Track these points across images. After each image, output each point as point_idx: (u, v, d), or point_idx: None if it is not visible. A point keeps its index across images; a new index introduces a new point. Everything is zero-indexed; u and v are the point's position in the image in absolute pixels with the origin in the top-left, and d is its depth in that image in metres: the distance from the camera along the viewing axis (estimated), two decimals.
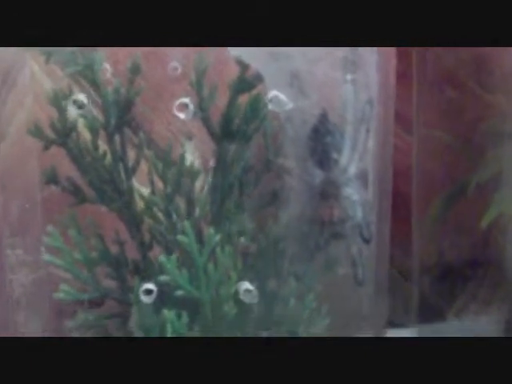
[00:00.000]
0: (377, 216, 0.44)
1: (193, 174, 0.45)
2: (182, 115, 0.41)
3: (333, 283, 0.44)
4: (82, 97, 0.42)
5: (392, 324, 0.67)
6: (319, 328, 0.45)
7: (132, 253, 0.48)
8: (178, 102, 0.41)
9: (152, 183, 0.46)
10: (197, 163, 0.47)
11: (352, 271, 0.43)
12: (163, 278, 0.41)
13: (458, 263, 0.60)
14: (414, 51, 0.59)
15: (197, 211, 0.43)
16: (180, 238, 0.41)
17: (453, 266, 0.60)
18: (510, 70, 0.53)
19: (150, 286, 0.41)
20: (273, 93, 0.41)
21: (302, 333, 0.45)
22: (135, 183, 0.47)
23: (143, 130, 0.49)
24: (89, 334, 0.49)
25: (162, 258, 0.41)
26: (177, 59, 0.46)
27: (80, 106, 0.42)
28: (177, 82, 0.47)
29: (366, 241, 0.42)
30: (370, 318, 0.46)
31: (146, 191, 0.47)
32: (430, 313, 0.61)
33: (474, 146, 0.57)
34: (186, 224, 0.41)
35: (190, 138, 0.47)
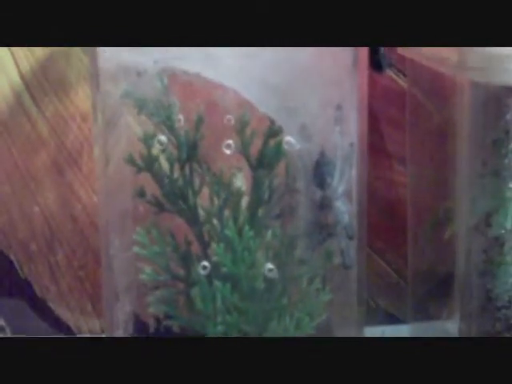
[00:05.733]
0: (357, 220, 0.62)
1: (240, 194, 0.62)
2: (227, 151, 0.61)
3: (331, 270, 0.63)
4: (163, 138, 0.61)
5: (392, 318, 0.83)
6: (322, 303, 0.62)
7: (195, 249, 0.61)
8: (225, 143, 0.61)
9: (211, 200, 0.61)
10: (243, 187, 0.63)
11: (341, 259, 0.61)
12: (214, 258, 0.60)
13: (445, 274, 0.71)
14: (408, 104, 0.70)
15: (239, 217, 0.63)
16: (226, 232, 0.60)
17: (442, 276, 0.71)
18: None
19: (206, 263, 0.61)
20: (287, 138, 0.59)
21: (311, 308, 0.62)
22: (199, 200, 0.61)
23: (206, 164, 0.61)
24: (163, 310, 0.62)
25: (214, 245, 0.60)
26: (231, 113, 0.59)
27: (161, 144, 0.62)
28: (230, 129, 0.60)
29: (351, 238, 0.60)
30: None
31: (206, 206, 0.61)
32: (424, 313, 0.73)
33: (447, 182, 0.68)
34: (230, 223, 0.60)
35: (240, 170, 0.61)
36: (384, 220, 0.78)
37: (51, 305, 0.78)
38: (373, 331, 0.77)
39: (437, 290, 0.71)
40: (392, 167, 0.77)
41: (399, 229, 0.76)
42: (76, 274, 0.77)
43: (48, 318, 0.79)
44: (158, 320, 0.65)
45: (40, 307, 0.77)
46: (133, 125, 0.61)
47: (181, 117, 0.59)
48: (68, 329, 0.80)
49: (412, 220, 0.73)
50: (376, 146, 0.77)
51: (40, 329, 0.79)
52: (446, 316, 0.70)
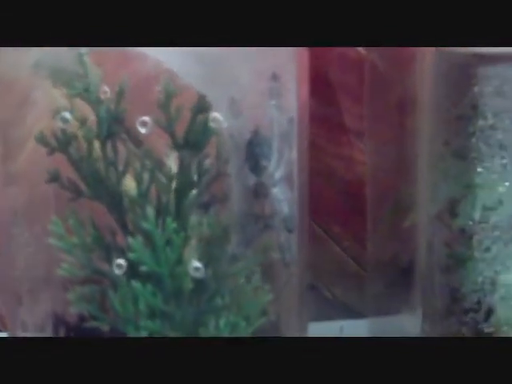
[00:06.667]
0: (298, 210, 0.54)
1: (170, 178, 0.55)
2: (143, 130, 0.52)
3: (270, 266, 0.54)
4: (67, 115, 0.53)
5: (350, 312, 0.76)
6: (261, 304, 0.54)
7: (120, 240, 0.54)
8: (140, 120, 0.52)
9: (136, 183, 0.53)
10: (174, 169, 0.57)
11: (280, 255, 0.53)
12: (131, 255, 0.52)
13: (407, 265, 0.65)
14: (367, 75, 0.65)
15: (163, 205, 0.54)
16: (144, 224, 0.52)
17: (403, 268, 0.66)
18: None
19: (121, 261, 0.53)
20: (213, 114, 0.51)
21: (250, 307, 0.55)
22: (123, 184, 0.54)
23: (132, 141, 0.54)
24: (85, 308, 0.55)
25: (130, 239, 0.52)
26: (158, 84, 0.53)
27: (65, 121, 0.53)
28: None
29: (290, 231, 0.53)
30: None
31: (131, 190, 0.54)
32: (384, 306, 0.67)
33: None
34: (150, 212, 0.52)
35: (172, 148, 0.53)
36: (342, 202, 0.73)
37: None
38: (331, 326, 0.73)
39: (398, 282, 0.66)
40: (350, 144, 0.71)
41: (359, 212, 0.70)
42: None
43: None
44: (82, 320, 0.57)
45: None
46: (53, 99, 0.55)
47: (106, 88, 0.53)
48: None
49: (372, 203, 0.67)
50: (333, 121, 0.71)
51: None
52: (408, 311, 0.64)
